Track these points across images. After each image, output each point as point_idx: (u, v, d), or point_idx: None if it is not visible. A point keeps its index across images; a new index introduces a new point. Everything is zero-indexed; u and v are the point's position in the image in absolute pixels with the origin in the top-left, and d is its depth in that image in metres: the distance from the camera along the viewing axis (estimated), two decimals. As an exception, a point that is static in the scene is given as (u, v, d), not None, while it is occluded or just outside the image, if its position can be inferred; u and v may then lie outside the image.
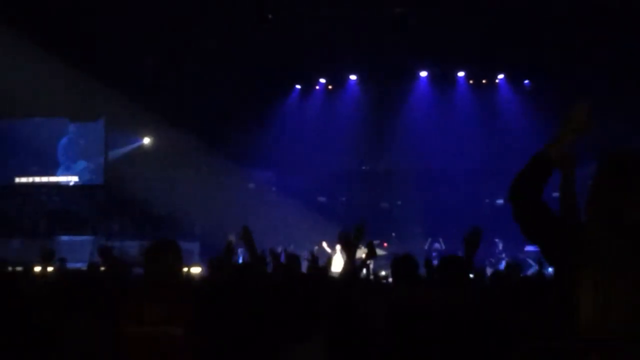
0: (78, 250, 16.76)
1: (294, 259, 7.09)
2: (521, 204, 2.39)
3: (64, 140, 21.27)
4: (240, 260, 13.48)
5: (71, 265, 12.30)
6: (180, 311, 3.73)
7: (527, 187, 2.40)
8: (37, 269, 8.60)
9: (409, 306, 4.02)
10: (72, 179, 21.19)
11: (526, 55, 18.19)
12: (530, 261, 16.52)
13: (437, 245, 20.81)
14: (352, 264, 4.74)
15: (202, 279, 8.92)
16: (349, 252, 4.82)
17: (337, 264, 15.93)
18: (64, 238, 18.60)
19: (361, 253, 5.88)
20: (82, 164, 21.17)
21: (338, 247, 17.45)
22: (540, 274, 10.52)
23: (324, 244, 18.16)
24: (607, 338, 1.97)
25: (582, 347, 2.05)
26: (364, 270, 6.56)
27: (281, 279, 5.63)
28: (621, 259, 1.99)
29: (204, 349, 3.68)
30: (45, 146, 21.12)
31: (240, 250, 13.56)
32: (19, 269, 8.86)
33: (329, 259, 11.19)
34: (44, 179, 21.21)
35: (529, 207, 2.36)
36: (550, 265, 2.41)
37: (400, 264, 4.97)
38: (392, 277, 5.18)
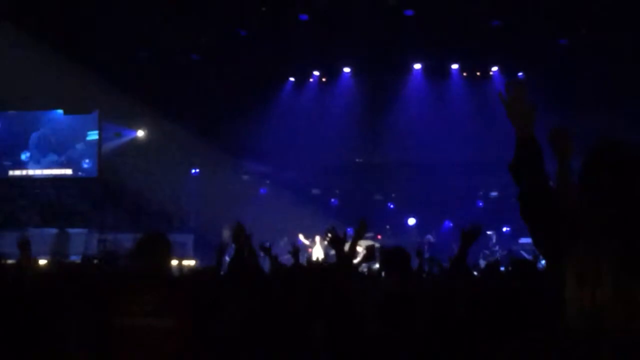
0: (72, 243, 16.73)
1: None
2: (522, 184, 2.39)
3: (50, 132, 21.14)
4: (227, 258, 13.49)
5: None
6: (171, 303, 3.76)
7: (522, 168, 2.40)
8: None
9: (401, 296, 4.05)
10: (66, 172, 21.11)
11: (520, 47, 18.16)
12: (524, 253, 16.53)
13: (428, 237, 20.85)
14: (343, 259, 4.76)
15: (194, 271, 8.93)
16: (338, 248, 4.83)
17: (316, 255, 16.05)
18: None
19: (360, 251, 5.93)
20: (73, 157, 21.07)
21: (317, 238, 17.52)
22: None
23: (301, 236, 18.18)
24: (596, 330, 1.97)
25: (572, 339, 2.05)
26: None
27: (280, 271, 5.66)
28: (611, 245, 2.00)
29: (193, 340, 3.70)
30: (21, 139, 21.10)
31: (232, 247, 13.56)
32: (11, 261, 8.84)
33: (309, 255, 11.24)
34: (37, 172, 21.12)
35: (530, 189, 2.36)
36: (542, 255, 2.41)
37: (391, 256, 4.98)
38: (382, 268, 5.19)
